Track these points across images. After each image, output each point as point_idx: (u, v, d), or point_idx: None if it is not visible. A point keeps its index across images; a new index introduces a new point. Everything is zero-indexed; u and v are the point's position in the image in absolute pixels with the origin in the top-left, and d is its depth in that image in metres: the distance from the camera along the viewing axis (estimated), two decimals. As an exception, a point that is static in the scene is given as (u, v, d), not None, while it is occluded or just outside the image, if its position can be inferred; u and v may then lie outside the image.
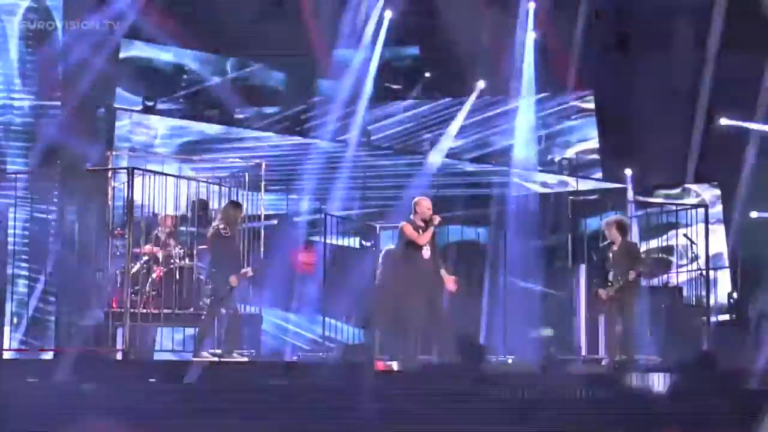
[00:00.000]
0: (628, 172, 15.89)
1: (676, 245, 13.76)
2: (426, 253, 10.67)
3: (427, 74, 16.84)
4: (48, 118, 14.65)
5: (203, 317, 10.89)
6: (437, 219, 10.71)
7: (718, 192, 15.49)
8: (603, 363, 11.23)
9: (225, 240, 10.71)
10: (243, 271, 10.88)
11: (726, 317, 13.76)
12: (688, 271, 13.47)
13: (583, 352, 12.58)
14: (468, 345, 8.06)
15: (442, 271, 10.79)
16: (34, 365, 10.16)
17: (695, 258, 13.36)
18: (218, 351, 10.73)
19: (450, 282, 10.78)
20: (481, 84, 16.30)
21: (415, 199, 10.89)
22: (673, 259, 14.11)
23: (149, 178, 10.90)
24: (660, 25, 15.33)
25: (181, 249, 11.77)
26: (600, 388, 8.22)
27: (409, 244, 10.66)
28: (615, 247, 11.27)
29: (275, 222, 14.99)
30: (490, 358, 10.83)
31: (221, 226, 10.72)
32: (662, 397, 8.19)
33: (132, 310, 10.76)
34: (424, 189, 15.60)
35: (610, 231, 11.37)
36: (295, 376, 9.37)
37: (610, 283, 11.16)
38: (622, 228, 11.39)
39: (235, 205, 11.07)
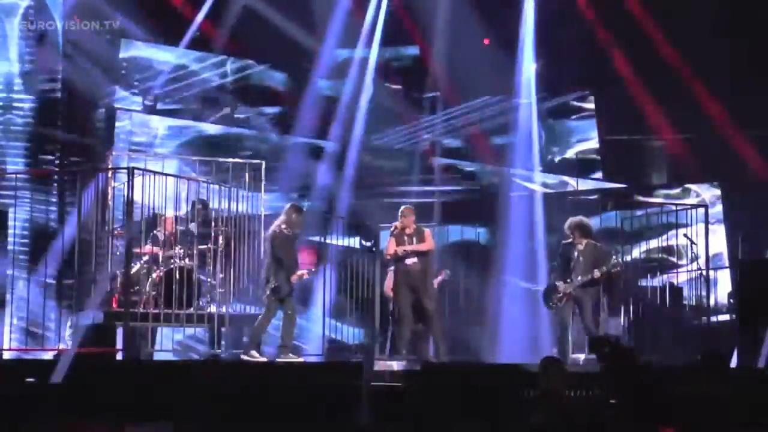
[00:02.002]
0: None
1: (676, 245, 13.75)
2: (409, 260, 11.22)
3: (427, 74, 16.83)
4: (48, 118, 14.66)
5: (261, 317, 10.92)
6: (398, 225, 11.24)
7: (718, 192, 15.46)
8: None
9: (287, 239, 10.88)
10: (300, 272, 11.02)
11: (726, 317, 13.73)
12: (688, 271, 13.46)
13: (584, 352, 12.56)
14: (607, 346, 8.03)
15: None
16: (34, 365, 10.15)
17: (695, 258, 13.34)
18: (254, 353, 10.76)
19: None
20: None
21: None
22: (673, 259, 14.10)
23: (149, 178, 10.89)
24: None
25: (181, 249, 11.76)
26: (599, 386, 8.21)
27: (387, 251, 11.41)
28: (581, 247, 11.39)
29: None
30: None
31: (283, 227, 10.87)
32: (666, 395, 8.18)
33: (132, 310, 10.76)
34: (424, 189, 15.63)
35: (573, 233, 11.42)
36: (298, 376, 9.37)
37: (569, 280, 11.29)
38: (584, 229, 11.42)
39: (297, 208, 11.20)
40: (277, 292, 10.83)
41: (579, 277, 11.28)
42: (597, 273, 11.24)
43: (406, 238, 11.25)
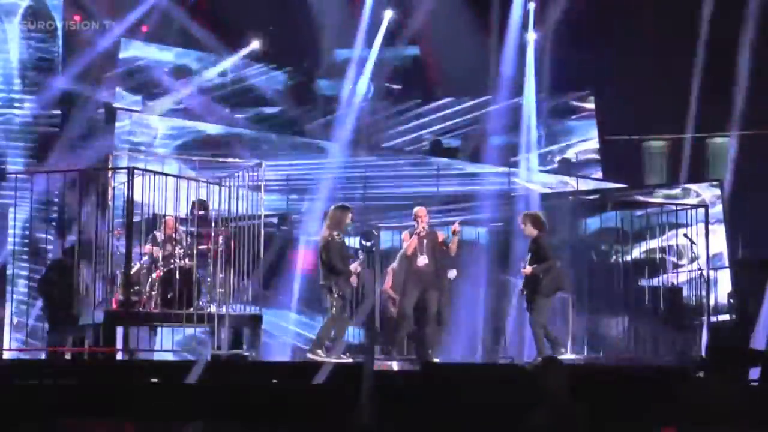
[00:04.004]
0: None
1: (676, 245, 13.75)
2: (421, 260, 11.13)
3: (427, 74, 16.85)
4: (48, 119, 14.67)
5: (338, 321, 10.90)
6: (422, 225, 11.13)
7: (718, 192, 15.47)
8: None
9: (342, 246, 10.95)
10: (354, 267, 11.07)
11: (726, 317, 13.74)
12: (688, 271, 13.46)
13: (584, 352, 12.59)
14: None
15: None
16: (34, 365, 10.15)
17: (695, 258, 13.35)
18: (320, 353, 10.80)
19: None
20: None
21: (414, 209, 11.40)
22: (673, 259, 14.10)
23: (149, 178, 10.88)
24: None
25: (181, 249, 11.75)
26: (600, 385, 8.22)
27: (407, 251, 11.23)
28: (530, 242, 11.20)
29: (275, 221, 14.99)
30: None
31: (335, 233, 10.88)
32: (667, 394, 8.19)
33: (132, 310, 10.75)
34: (424, 189, 15.63)
35: (524, 226, 11.23)
36: (296, 376, 9.37)
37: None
38: (533, 222, 11.25)
39: (344, 208, 11.18)
40: (344, 297, 10.92)
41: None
42: (525, 270, 11.03)
43: (417, 239, 11.23)
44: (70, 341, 11.59)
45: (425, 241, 11.18)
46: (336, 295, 10.82)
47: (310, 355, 10.71)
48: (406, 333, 11.39)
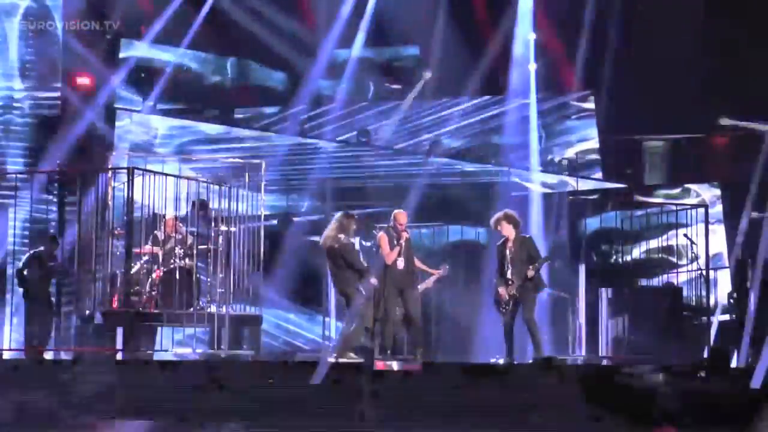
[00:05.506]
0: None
1: (676, 245, 13.75)
2: (400, 263, 11.19)
3: (428, 74, 16.82)
4: (48, 119, 14.68)
5: (357, 325, 10.98)
6: (405, 236, 11.15)
7: (718, 192, 15.48)
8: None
9: (353, 247, 11.12)
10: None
11: (726, 317, 13.74)
12: (688, 271, 13.46)
13: (583, 352, 12.59)
14: None
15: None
16: (34, 365, 10.15)
17: (695, 258, 13.35)
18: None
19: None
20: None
21: (393, 212, 11.35)
22: (673, 259, 14.10)
23: (149, 178, 10.88)
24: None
25: (181, 249, 11.74)
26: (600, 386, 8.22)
27: (387, 260, 11.22)
28: (510, 244, 11.16)
29: (275, 222, 15.00)
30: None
31: (342, 236, 11.01)
32: (667, 395, 8.19)
33: (132, 310, 10.75)
34: (424, 189, 15.61)
35: (502, 226, 11.19)
36: (295, 376, 9.37)
37: (510, 281, 11.09)
38: (514, 222, 11.22)
39: (349, 216, 11.27)
40: (368, 296, 11.02)
41: (514, 278, 11.04)
42: (530, 272, 10.98)
43: (395, 242, 11.26)
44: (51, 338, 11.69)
45: (402, 243, 11.22)
46: (360, 295, 10.93)
47: (340, 359, 10.70)
48: (396, 334, 11.42)
